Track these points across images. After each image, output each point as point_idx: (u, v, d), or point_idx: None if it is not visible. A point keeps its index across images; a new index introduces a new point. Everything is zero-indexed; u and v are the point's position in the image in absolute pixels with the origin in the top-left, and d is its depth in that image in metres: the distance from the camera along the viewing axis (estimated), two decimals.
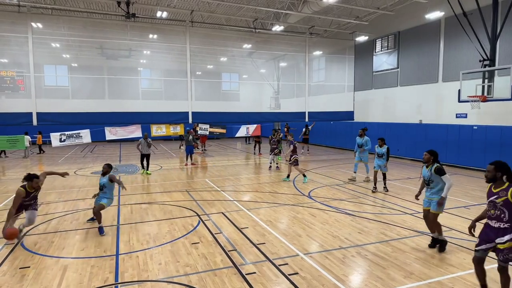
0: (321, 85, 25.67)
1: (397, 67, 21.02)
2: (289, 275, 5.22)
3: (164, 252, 6.15)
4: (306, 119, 23.17)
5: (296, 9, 19.01)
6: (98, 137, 18.74)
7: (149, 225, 7.73)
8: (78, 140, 17.17)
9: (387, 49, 21.64)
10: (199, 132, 20.13)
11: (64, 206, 9.41)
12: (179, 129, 19.61)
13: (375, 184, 10.89)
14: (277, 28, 21.08)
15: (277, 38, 22.84)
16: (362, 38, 22.68)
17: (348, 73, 24.56)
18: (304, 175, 12.43)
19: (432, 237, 6.30)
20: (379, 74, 22.55)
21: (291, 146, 12.45)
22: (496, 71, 13.45)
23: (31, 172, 6.82)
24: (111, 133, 17.79)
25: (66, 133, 16.71)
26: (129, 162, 17.98)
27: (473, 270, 5.30)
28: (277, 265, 5.57)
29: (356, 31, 22.74)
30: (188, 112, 20.20)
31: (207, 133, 20.43)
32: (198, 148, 21.47)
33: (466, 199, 9.90)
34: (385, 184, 10.96)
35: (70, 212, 8.83)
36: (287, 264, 5.61)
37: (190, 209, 8.93)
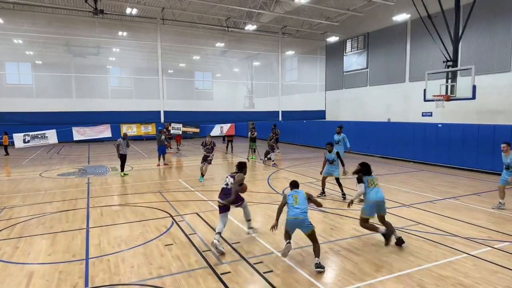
0: (294, 85, 26.01)
1: (367, 67, 21.63)
2: (264, 273, 5.25)
3: (136, 255, 6.02)
4: (280, 118, 23.39)
5: (269, 9, 19.12)
6: (65, 138, 18.05)
7: (121, 227, 7.53)
8: (44, 140, 16.45)
9: (357, 50, 22.21)
10: (171, 132, 19.82)
11: (30, 210, 8.98)
12: (150, 129, 19.22)
13: (322, 189, 10.21)
14: (250, 27, 21.11)
15: (250, 37, 22.89)
16: (333, 39, 23.16)
17: (319, 73, 25.03)
18: (202, 175, 12.70)
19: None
20: (349, 74, 23.11)
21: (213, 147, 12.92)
22: (458, 72, 14.13)
23: None
24: (79, 133, 17.18)
25: (31, 133, 15.97)
26: (98, 163, 17.43)
27: (439, 262, 5.57)
28: (252, 263, 5.59)
29: (327, 31, 23.18)
30: (160, 111, 19.85)
31: (180, 133, 20.17)
32: (170, 148, 21.13)
33: (432, 194, 10.33)
34: (342, 191, 9.90)
35: (36, 216, 8.44)
36: (262, 262, 5.64)
37: (163, 210, 8.78)
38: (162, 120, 19.82)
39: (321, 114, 24.49)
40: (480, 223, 7.58)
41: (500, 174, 9.04)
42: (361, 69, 21.98)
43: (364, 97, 22.08)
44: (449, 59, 14.03)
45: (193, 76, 29.58)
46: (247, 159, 18.20)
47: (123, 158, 13.83)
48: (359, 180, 6.52)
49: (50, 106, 18.00)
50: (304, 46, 25.02)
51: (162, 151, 16.37)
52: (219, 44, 22.68)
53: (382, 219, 6.37)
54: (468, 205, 9.06)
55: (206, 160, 12.83)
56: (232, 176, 6.73)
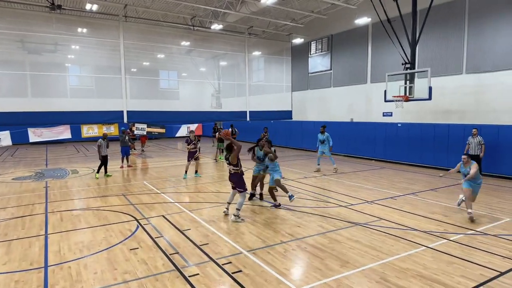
0: (261, 85, 26.16)
1: (330, 69, 22.18)
2: (232, 273, 5.25)
3: (99, 260, 5.79)
4: (247, 119, 23.44)
5: (235, 9, 19.09)
6: (20, 139, 17.02)
7: (82, 232, 7.22)
8: None
9: (321, 52, 22.73)
10: (135, 132, 19.27)
11: None
12: (113, 129, 18.57)
13: (253, 188, 9.72)
14: (216, 26, 20.97)
15: (216, 36, 22.73)
16: (298, 40, 23.53)
17: (286, 74, 25.35)
18: (186, 172, 13.37)
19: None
20: (314, 75, 23.60)
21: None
22: (416, 74, 14.84)
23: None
24: (35, 134, 16.27)
25: None
26: (57, 166, 16.59)
27: (400, 255, 5.83)
28: (221, 264, 5.56)
29: (292, 33, 23.52)
30: (122, 111, 19.22)
31: (145, 133, 19.66)
32: (134, 149, 20.54)
33: (393, 190, 10.80)
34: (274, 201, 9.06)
35: None
36: (230, 262, 5.63)
37: (128, 214, 8.52)
38: (125, 120, 19.20)
39: (288, 114, 24.83)
40: (437, 217, 8.02)
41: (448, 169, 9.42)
42: (325, 70, 22.51)
43: (328, 98, 22.63)
44: (407, 61, 14.68)
45: (157, 75, 28.84)
46: (215, 159, 18.10)
47: (105, 160, 13.41)
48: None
49: (2, 106, 16.87)
50: (271, 47, 25.23)
51: (125, 153, 15.88)
52: (185, 43, 22.33)
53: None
54: (426, 200, 9.55)
55: (193, 157, 13.23)
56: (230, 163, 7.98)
